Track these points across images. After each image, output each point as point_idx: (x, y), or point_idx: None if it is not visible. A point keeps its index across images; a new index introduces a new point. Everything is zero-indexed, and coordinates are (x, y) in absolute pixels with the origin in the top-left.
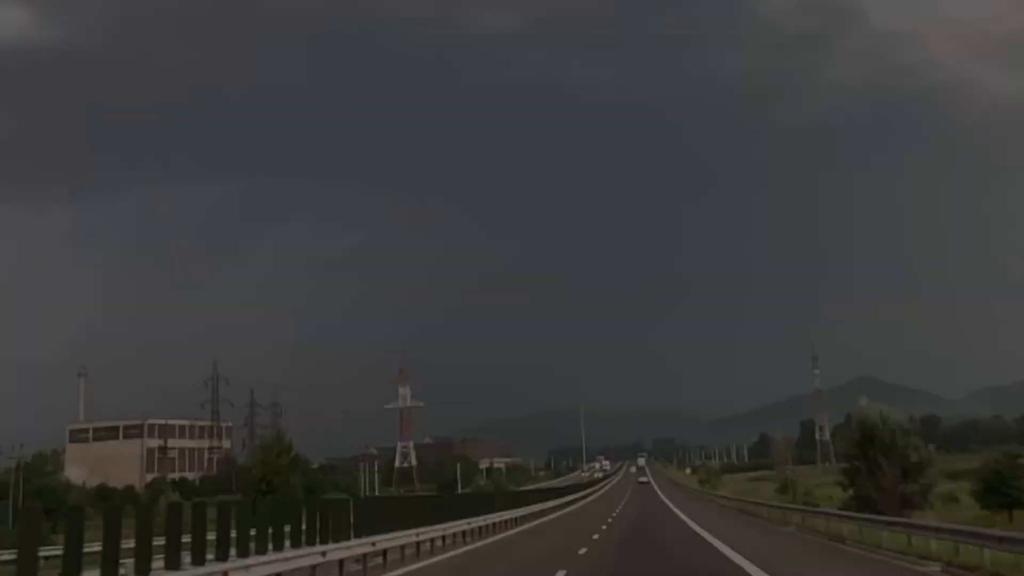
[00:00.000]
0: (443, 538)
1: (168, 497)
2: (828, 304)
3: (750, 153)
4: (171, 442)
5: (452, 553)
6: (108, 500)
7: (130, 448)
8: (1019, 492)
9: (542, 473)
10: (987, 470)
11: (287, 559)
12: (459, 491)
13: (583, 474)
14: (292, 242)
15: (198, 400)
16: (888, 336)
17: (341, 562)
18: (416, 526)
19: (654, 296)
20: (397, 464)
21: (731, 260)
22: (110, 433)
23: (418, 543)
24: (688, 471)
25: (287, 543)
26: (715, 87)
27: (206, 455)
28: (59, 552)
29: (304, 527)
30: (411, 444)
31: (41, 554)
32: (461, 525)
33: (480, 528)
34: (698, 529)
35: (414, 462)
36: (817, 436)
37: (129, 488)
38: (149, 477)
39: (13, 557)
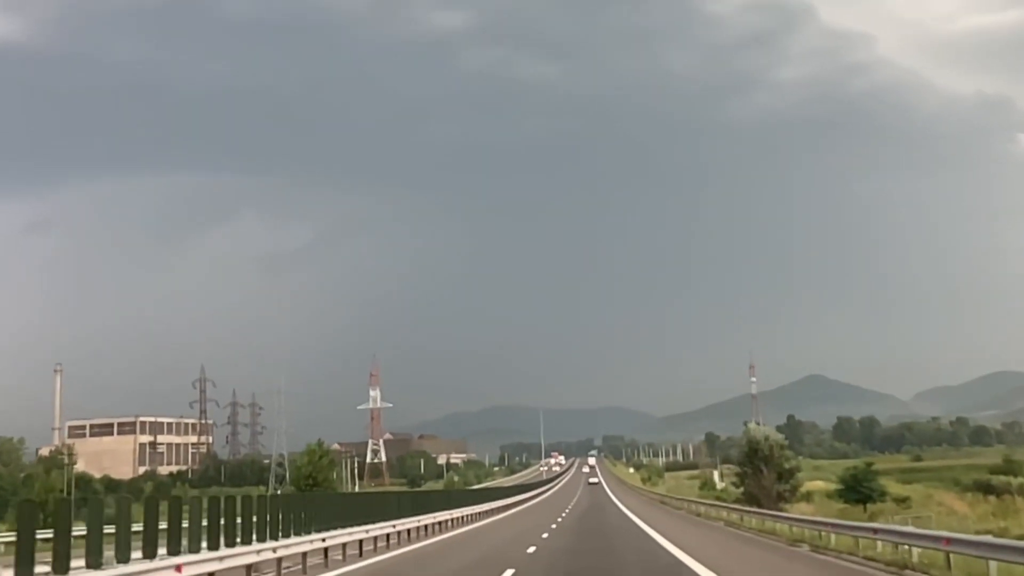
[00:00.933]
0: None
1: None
2: (779, 304)
3: (699, 151)
4: (160, 438)
5: (425, 542)
6: (116, 491)
7: (123, 443)
8: (870, 491)
9: (496, 469)
10: (847, 474)
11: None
12: (424, 486)
13: (542, 469)
14: (245, 238)
15: (175, 396)
16: (839, 336)
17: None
18: (399, 517)
19: (607, 293)
20: (369, 460)
21: (680, 259)
22: (105, 429)
23: (416, 528)
24: (632, 470)
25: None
26: (664, 85)
27: (191, 450)
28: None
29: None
30: (381, 442)
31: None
32: (457, 513)
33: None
34: (624, 509)
35: (384, 459)
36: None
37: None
38: (141, 470)
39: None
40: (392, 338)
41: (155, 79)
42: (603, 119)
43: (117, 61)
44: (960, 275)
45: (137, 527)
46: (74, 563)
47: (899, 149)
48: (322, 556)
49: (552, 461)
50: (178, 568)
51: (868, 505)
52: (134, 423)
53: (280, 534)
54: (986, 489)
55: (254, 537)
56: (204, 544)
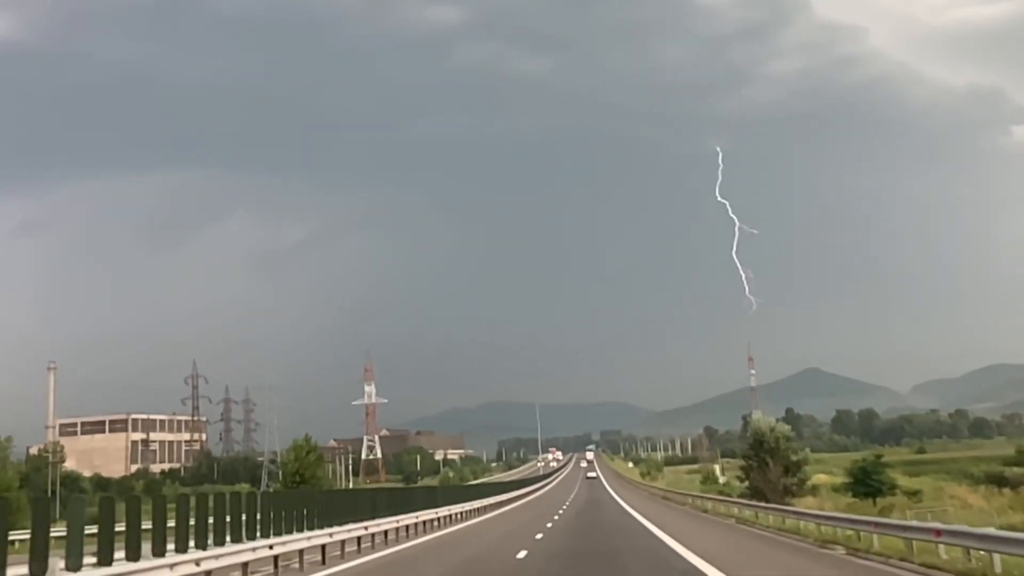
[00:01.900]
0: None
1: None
2: (775, 298)
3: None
4: (152, 435)
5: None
6: (106, 490)
7: (115, 441)
8: (880, 484)
9: (494, 465)
10: (856, 467)
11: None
12: (420, 482)
13: (539, 464)
14: (237, 235)
15: (168, 393)
16: (835, 330)
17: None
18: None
19: (604, 288)
20: (364, 456)
21: (677, 253)
22: (96, 427)
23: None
24: (630, 465)
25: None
26: (656, 78)
27: (184, 447)
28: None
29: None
30: (376, 438)
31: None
32: (455, 509)
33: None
34: (625, 506)
35: (380, 455)
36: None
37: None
38: (133, 468)
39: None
40: (389, 334)
41: (147, 77)
42: (597, 113)
43: (109, 60)
44: (955, 268)
45: (120, 527)
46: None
47: (892, 142)
48: (271, 566)
49: (549, 456)
50: None
51: (878, 499)
52: (126, 420)
53: (213, 542)
54: (999, 481)
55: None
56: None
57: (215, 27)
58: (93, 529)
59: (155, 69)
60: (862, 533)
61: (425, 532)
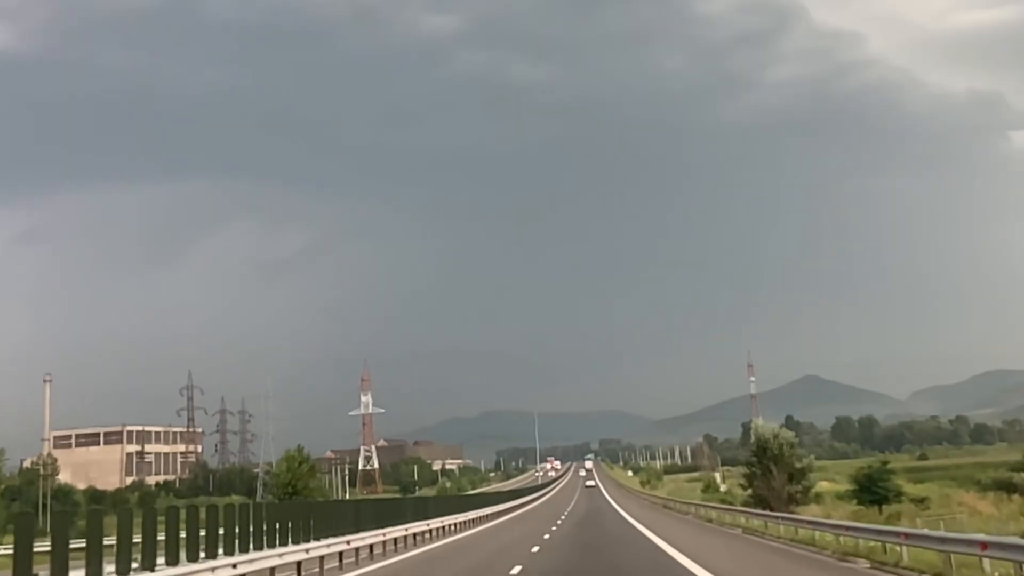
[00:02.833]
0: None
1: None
2: (773, 305)
3: (691, 152)
4: (148, 447)
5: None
6: (101, 502)
7: (110, 453)
8: (886, 491)
9: (492, 475)
10: (861, 474)
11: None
12: (417, 493)
13: (537, 474)
14: (235, 245)
15: (163, 404)
16: (833, 337)
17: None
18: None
19: (602, 297)
20: (361, 467)
21: (673, 262)
22: (91, 439)
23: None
24: (630, 473)
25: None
26: (655, 86)
27: (179, 459)
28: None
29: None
30: (373, 448)
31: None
32: (449, 520)
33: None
34: (626, 516)
35: (376, 465)
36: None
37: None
38: (128, 480)
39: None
40: (388, 345)
41: (145, 87)
42: (595, 121)
43: (106, 69)
44: (954, 274)
45: (110, 540)
46: None
47: (892, 148)
48: None
49: (548, 466)
50: None
51: (884, 506)
52: (121, 432)
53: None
54: (1008, 487)
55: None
56: None
57: (214, 37)
58: (80, 544)
59: (153, 79)
60: (889, 545)
61: (415, 545)
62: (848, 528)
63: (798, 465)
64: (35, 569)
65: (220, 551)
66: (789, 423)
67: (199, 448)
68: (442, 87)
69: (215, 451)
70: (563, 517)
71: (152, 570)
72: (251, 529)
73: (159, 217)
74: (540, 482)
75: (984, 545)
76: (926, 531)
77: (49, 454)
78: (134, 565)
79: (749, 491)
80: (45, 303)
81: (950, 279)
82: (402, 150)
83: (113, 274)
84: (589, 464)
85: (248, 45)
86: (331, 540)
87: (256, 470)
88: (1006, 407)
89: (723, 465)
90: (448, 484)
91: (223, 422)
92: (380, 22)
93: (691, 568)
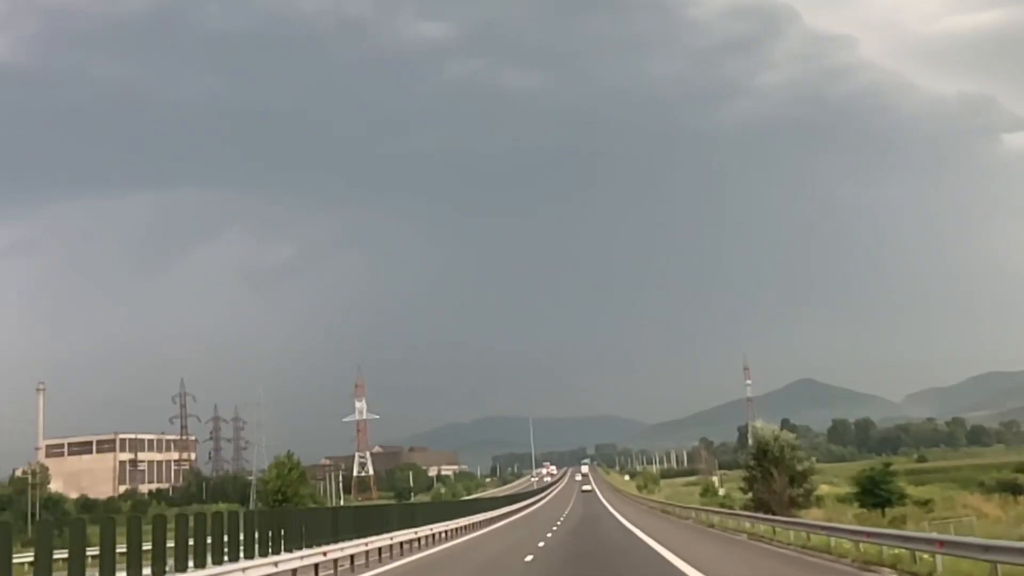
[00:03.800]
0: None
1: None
2: (767, 309)
3: (683, 158)
4: (140, 455)
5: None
6: (92, 511)
7: (103, 461)
8: (888, 493)
9: (488, 480)
10: (863, 476)
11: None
12: (413, 499)
13: (533, 479)
14: (227, 253)
15: (156, 412)
16: (827, 340)
17: None
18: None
19: (597, 302)
20: (356, 474)
21: (667, 267)
22: (83, 448)
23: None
24: (627, 478)
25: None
26: (647, 92)
27: (173, 467)
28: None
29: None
30: (368, 455)
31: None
32: (452, 524)
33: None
34: (624, 521)
35: (371, 471)
36: (750, 442)
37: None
38: (122, 488)
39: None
40: (383, 351)
41: (136, 96)
42: (587, 127)
43: (96, 79)
44: (947, 276)
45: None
46: None
47: (884, 151)
48: None
49: (543, 471)
50: None
51: (887, 509)
52: (114, 440)
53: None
54: (1012, 489)
55: None
56: None
57: (203, 47)
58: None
59: (143, 89)
60: (919, 554)
61: (401, 555)
62: (870, 534)
63: (799, 468)
64: None
65: (168, 565)
66: (785, 426)
67: (193, 456)
68: (432, 95)
69: (209, 459)
70: (559, 522)
71: None
72: (208, 542)
73: (150, 226)
74: (536, 487)
75: None
76: (967, 538)
77: (39, 463)
78: None
79: (749, 495)
80: (37, 312)
81: (944, 282)
82: (394, 157)
83: (105, 283)
84: (585, 469)
85: (238, 54)
86: (305, 552)
87: (250, 477)
88: (1001, 409)
89: (720, 469)
90: (443, 490)
91: (216, 429)
92: (370, 30)
93: None
